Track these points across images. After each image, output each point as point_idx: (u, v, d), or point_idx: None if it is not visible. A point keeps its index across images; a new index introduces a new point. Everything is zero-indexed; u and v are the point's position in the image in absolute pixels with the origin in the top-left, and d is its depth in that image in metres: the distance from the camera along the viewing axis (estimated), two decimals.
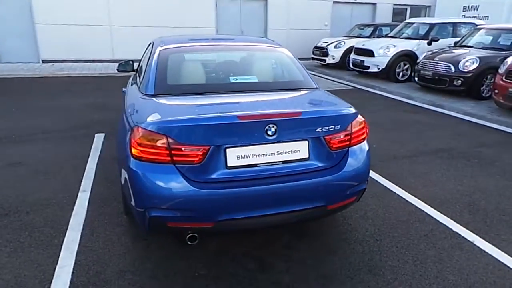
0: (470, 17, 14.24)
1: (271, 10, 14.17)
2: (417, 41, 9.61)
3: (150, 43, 3.94)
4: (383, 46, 9.47)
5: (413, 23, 10.74)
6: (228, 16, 13.88)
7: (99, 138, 5.00)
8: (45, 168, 3.98)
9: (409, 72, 9.54)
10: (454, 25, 10.08)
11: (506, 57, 7.28)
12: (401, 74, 9.57)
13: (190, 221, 2.16)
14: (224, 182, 2.16)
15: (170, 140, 2.08)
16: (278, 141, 2.21)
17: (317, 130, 2.28)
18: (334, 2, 14.99)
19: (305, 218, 2.47)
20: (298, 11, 14.44)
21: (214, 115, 2.16)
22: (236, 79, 2.79)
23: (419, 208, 3.22)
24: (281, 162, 2.26)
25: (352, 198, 2.51)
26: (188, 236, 2.21)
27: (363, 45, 10.08)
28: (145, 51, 4.31)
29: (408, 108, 7.13)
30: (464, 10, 14.96)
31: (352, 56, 10.44)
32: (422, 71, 8.18)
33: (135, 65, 4.49)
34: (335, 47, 11.62)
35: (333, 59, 11.68)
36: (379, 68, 9.48)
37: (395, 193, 3.51)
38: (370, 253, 2.59)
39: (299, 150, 2.29)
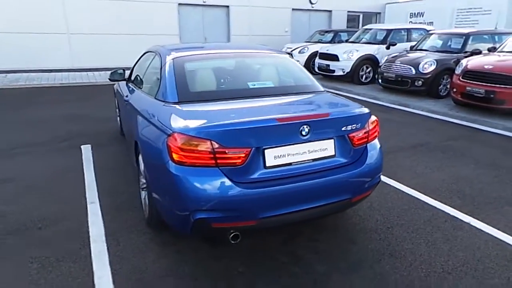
0: (416, 23, 15.47)
1: (233, 17, 14.41)
2: (377, 45, 10.29)
3: (149, 52, 3.97)
4: (347, 50, 10.04)
5: (370, 29, 11.47)
6: (191, 23, 13.92)
7: (86, 150, 4.87)
8: (39, 182, 3.83)
9: (371, 74, 10.18)
10: (408, 30, 10.93)
11: (458, 59, 8.07)
12: (364, 76, 10.18)
13: (234, 221, 2.26)
14: (263, 181, 2.29)
15: (215, 144, 2.18)
16: (309, 140, 2.39)
17: (342, 129, 2.50)
18: (293, 9, 15.57)
19: (334, 211, 2.67)
20: (260, 18, 14.82)
21: (254, 118, 2.28)
22: (254, 85, 2.94)
23: (415, 197, 3.54)
24: (311, 160, 2.44)
25: (370, 191, 2.74)
26: (231, 235, 2.31)
27: (327, 50, 10.59)
28: (140, 59, 4.32)
29: (377, 108, 7.64)
30: (411, 16, 16.20)
31: (317, 60, 10.93)
32: (385, 74, 8.80)
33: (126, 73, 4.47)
34: (299, 52, 12.06)
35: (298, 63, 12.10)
36: (344, 72, 10.02)
37: (390, 185, 3.82)
38: (386, 239, 2.84)
39: (326, 148, 2.48)
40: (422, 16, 15.74)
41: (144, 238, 2.83)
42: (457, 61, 7.97)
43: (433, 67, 7.97)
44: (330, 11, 16.57)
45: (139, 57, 4.41)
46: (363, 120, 2.61)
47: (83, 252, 2.64)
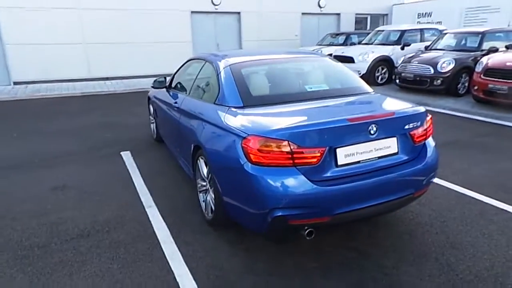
0: (424, 23, 15.59)
1: (245, 23, 14.58)
2: (392, 46, 10.42)
3: (194, 59, 4.12)
4: (362, 52, 10.17)
5: (383, 30, 11.61)
6: (204, 29, 14.10)
7: (127, 156, 5.00)
8: (92, 188, 3.96)
9: (387, 75, 10.30)
10: (421, 31, 11.06)
11: (475, 57, 8.20)
12: (380, 77, 10.30)
13: (309, 217, 2.37)
14: (336, 179, 2.41)
15: (292, 145, 2.30)
16: (376, 139, 2.51)
17: (405, 127, 2.61)
18: (302, 13, 15.72)
19: (398, 206, 2.77)
20: (270, 23, 14.98)
21: (328, 119, 2.41)
22: (311, 88, 3.07)
23: (461, 192, 3.65)
24: (377, 158, 2.55)
25: (427, 186, 2.85)
26: (306, 232, 2.42)
27: (342, 52, 10.73)
28: (182, 67, 4.46)
29: None
30: (419, 17, 16.32)
31: None
32: (403, 74, 8.91)
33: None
34: None
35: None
36: (360, 73, 10.13)
37: (433, 182, 3.91)
38: (444, 233, 2.94)
39: (390, 146, 2.60)
40: (430, 16, 15.87)
41: (210, 238, 2.95)
42: (475, 59, 8.11)
43: (451, 65, 8.08)
44: (338, 14, 16.72)
45: (180, 65, 4.54)
46: (422, 118, 2.73)
47: (156, 253, 2.76)
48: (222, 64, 3.28)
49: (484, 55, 8.13)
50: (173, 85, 4.52)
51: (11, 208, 3.53)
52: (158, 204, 3.56)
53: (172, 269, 2.56)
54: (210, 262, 2.64)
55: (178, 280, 2.44)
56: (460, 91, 8.29)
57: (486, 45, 8.50)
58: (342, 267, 2.55)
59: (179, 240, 2.92)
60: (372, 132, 2.46)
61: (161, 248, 2.82)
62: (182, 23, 13.50)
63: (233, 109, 2.82)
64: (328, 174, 2.40)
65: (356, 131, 2.44)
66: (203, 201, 3.24)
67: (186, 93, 3.87)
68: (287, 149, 2.30)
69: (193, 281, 2.43)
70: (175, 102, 3.90)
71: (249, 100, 2.86)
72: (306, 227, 2.43)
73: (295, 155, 2.31)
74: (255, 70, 3.26)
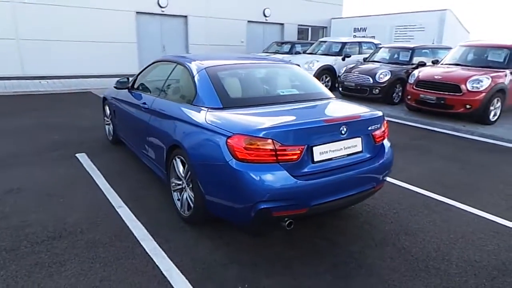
0: (360, 36, 16.92)
1: (192, 27, 14.59)
2: (334, 57, 11.20)
3: (163, 61, 4.16)
4: (308, 61, 10.79)
5: (325, 42, 12.41)
6: (149, 31, 13.84)
7: (83, 158, 4.83)
8: (52, 191, 3.80)
9: (329, 84, 11.03)
10: (359, 44, 12.04)
11: (407, 70, 9.19)
12: (324, 85, 10.97)
13: (290, 209, 2.59)
14: (312, 174, 2.67)
15: (276, 143, 2.51)
16: (345, 138, 2.82)
17: (368, 128, 2.97)
18: (248, 21, 16.15)
19: (362, 199, 3.11)
20: (217, 29, 15.17)
21: (307, 120, 2.66)
22: (284, 92, 3.32)
23: (406, 188, 4.14)
24: (346, 155, 2.87)
25: (384, 181, 3.24)
26: (287, 223, 2.64)
27: (289, 60, 11.22)
28: (148, 69, 4.45)
29: None
30: (355, 31, 17.66)
31: None
32: (345, 82, 9.65)
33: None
34: None
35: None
36: None
37: None
38: (397, 222, 3.35)
39: (356, 145, 2.93)
40: (365, 31, 17.27)
41: (189, 235, 3.03)
42: (407, 72, 9.09)
43: (388, 77, 8.95)
44: (282, 24, 17.45)
45: (145, 67, 4.53)
46: (381, 121, 3.12)
47: (137, 250, 2.78)
48: (196, 67, 3.39)
49: (414, 68, 9.15)
50: (136, 86, 4.49)
51: None
52: (128, 204, 3.54)
53: (157, 264, 2.62)
54: (194, 256, 2.74)
55: (165, 274, 2.51)
56: (395, 100, 9.21)
57: (415, 60, 9.57)
58: (317, 254, 2.81)
59: (158, 237, 2.97)
60: (343, 132, 2.77)
61: (142, 246, 2.85)
62: (127, 24, 13.12)
63: (212, 110, 2.96)
64: (306, 170, 2.65)
65: (330, 131, 2.73)
66: (178, 199, 3.31)
67: (156, 94, 3.90)
68: (271, 147, 2.51)
69: (181, 275, 2.51)
70: (144, 103, 3.91)
71: (228, 102, 3.02)
72: (286, 219, 2.65)
73: (278, 152, 2.53)
74: (230, 74, 3.42)
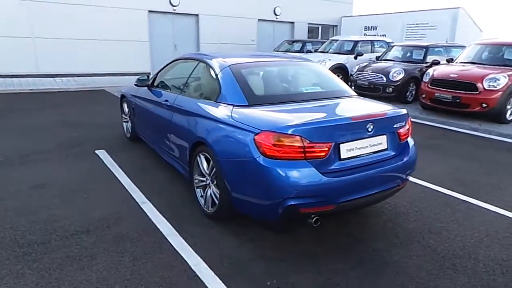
0: (370, 35, 16.81)
1: (203, 26, 14.63)
2: (346, 55, 11.16)
3: (184, 59, 4.19)
4: (320, 59, 10.75)
5: (337, 40, 12.37)
6: (161, 30, 13.91)
7: (103, 155, 4.89)
8: (76, 186, 3.86)
9: None
10: (372, 42, 11.98)
11: (421, 69, 9.12)
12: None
13: (318, 206, 2.61)
14: (339, 171, 2.68)
15: (304, 140, 2.53)
16: (371, 136, 2.83)
17: (393, 126, 2.97)
18: (259, 20, 16.14)
19: (387, 196, 3.11)
20: (228, 27, 15.19)
21: (335, 117, 2.67)
22: (307, 90, 3.33)
23: (426, 186, 4.13)
24: (372, 153, 2.87)
25: (407, 180, 3.24)
26: (314, 219, 2.65)
27: None
28: (168, 67, 4.48)
29: None
30: (366, 29, 17.55)
31: None
32: (358, 81, 9.61)
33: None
34: None
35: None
36: None
37: None
38: (420, 220, 3.35)
39: (381, 142, 2.93)
40: (376, 29, 17.16)
41: (213, 230, 3.06)
42: (421, 70, 9.03)
43: (401, 75, 8.90)
44: (292, 22, 17.41)
45: (165, 65, 4.56)
46: (405, 119, 3.11)
47: (164, 246, 2.82)
48: (220, 65, 3.42)
49: (428, 67, 9.09)
50: (156, 84, 4.54)
51: None
52: (152, 200, 3.58)
53: (185, 259, 2.65)
54: (220, 252, 2.76)
55: (194, 269, 2.54)
56: (408, 98, 9.16)
57: (429, 58, 9.50)
58: (342, 251, 2.82)
59: (184, 233, 3.00)
60: (369, 129, 2.78)
61: (168, 241, 2.88)
62: (139, 22, 13.20)
63: (237, 107, 2.99)
64: (333, 167, 2.66)
65: (356, 129, 2.74)
66: (202, 196, 3.35)
67: (178, 91, 3.93)
68: (300, 143, 2.53)
69: (209, 270, 2.54)
70: (166, 101, 3.94)
71: (253, 99, 3.04)
72: (313, 215, 2.66)
73: (306, 149, 2.54)
74: (253, 71, 3.44)
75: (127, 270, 2.50)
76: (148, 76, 4.63)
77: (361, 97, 3.63)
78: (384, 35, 16.12)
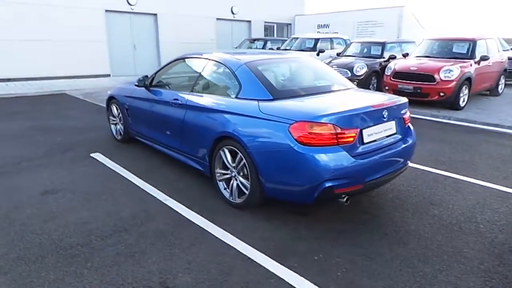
0: (324, 32, 17.63)
1: (162, 25, 14.43)
2: (308, 52, 11.68)
3: (189, 58, 4.29)
4: None
5: (297, 38, 12.88)
6: (119, 29, 13.49)
7: (100, 158, 4.82)
8: (88, 190, 3.82)
9: None
10: (331, 40, 12.63)
11: (380, 63, 9.87)
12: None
13: (349, 186, 2.91)
14: (364, 154, 3.00)
15: (336, 127, 2.81)
16: (385, 121, 3.19)
17: (401, 112, 3.37)
18: (217, 19, 16.22)
19: (397, 175, 3.48)
20: (187, 26, 15.11)
21: (358, 106, 2.99)
22: (320, 83, 3.62)
23: (414, 167, 4.61)
24: (385, 136, 3.24)
25: (409, 161, 3.66)
26: (345, 199, 2.95)
27: None
28: (170, 66, 4.54)
29: None
30: (318, 27, 18.36)
31: None
32: None
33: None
34: None
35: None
36: None
37: None
38: (420, 195, 3.79)
39: (391, 127, 3.31)
40: (328, 27, 18.03)
41: (245, 218, 3.24)
42: (380, 65, 9.78)
43: (364, 69, 9.57)
44: (249, 21, 17.72)
45: (165, 64, 4.60)
46: (407, 106, 3.53)
47: (206, 236, 2.96)
48: (235, 62, 3.60)
49: (386, 61, 9.87)
50: (155, 84, 4.57)
51: (11, 215, 3.24)
52: (172, 196, 3.67)
53: (232, 245, 2.82)
54: (260, 236, 2.97)
55: (244, 252, 2.72)
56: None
57: (386, 54, 10.30)
58: (366, 226, 3.16)
59: (219, 223, 3.15)
60: (384, 116, 3.14)
61: (208, 231, 3.02)
62: (96, 22, 12.71)
63: (263, 101, 3.20)
64: (359, 150, 2.98)
65: (375, 115, 3.08)
66: (225, 188, 3.51)
67: (187, 90, 3.99)
68: (332, 130, 2.81)
69: (258, 252, 2.74)
70: (175, 99, 4.01)
71: (276, 94, 3.27)
72: (343, 195, 2.96)
73: (338, 135, 2.83)
74: (267, 68, 3.65)
75: (182, 260, 2.62)
76: (146, 76, 4.64)
77: (360, 89, 4.00)
78: (336, 33, 17.00)
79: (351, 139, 2.90)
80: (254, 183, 3.15)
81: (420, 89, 7.93)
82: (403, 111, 3.41)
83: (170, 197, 3.66)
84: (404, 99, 3.50)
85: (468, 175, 4.33)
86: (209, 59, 3.93)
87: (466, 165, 4.70)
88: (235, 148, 3.27)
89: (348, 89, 3.79)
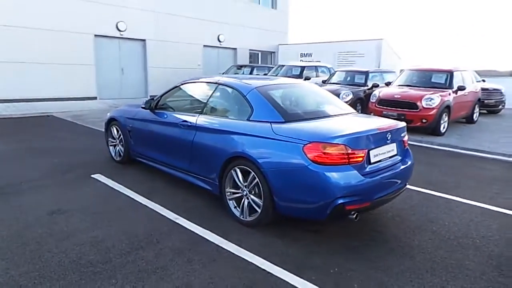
0: (306, 61, 18.32)
1: (150, 50, 14.66)
2: (296, 80, 12.12)
3: (196, 82, 4.47)
4: None
5: (283, 66, 13.37)
6: (108, 54, 13.61)
7: (103, 178, 4.84)
8: (94, 210, 3.83)
9: None
10: (316, 68, 13.19)
11: (364, 91, 10.38)
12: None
13: (359, 203, 3.09)
14: (371, 173, 3.21)
15: (348, 148, 3.03)
16: (388, 143, 3.44)
17: (401, 135, 3.63)
18: (204, 45, 16.63)
19: (397, 195, 3.69)
20: (174, 52, 15.41)
21: (367, 128, 3.22)
22: (324, 107, 3.86)
23: (407, 188, 4.88)
24: (388, 157, 3.48)
25: (407, 182, 3.90)
26: (355, 215, 3.13)
27: None
28: (175, 90, 4.69)
29: None
30: (301, 56, 19.09)
31: None
32: None
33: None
34: None
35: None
36: None
37: None
38: (418, 213, 4.02)
39: (393, 149, 3.56)
40: (311, 56, 18.78)
41: (258, 235, 3.35)
42: (364, 92, 10.28)
43: (350, 96, 10.03)
44: (235, 48, 18.25)
45: (170, 88, 4.75)
46: (405, 130, 3.81)
47: (223, 252, 3.04)
48: (246, 87, 3.80)
49: (369, 89, 10.39)
50: (160, 106, 4.71)
51: (24, 234, 3.22)
52: (182, 215, 3.74)
53: (250, 261, 2.91)
54: (275, 251, 3.08)
55: (263, 267, 2.82)
56: None
57: (369, 82, 10.85)
58: (374, 242, 3.33)
59: (233, 240, 3.24)
60: (388, 138, 3.39)
61: (224, 248, 3.11)
62: (85, 46, 12.78)
63: (275, 123, 3.39)
64: (367, 170, 3.19)
65: (380, 138, 3.33)
66: (235, 207, 3.62)
67: (196, 112, 4.13)
68: (344, 151, 3.02)
69: (276, 266, 2.84)
70: (184, 121, 4.14)
71: (287, 117, 3.47)
72: (353, 212, 3.14)
73: (350, 155, 3.04)
74: (276, 93, 3.87)
75: (205, 275, 2.69)
76: (153, 99, 4.77)
77: (360, 113, 4.28)
78: (319, 61, 17.72)
79: (360, 159, 3.12)
80: (267, 201, 3.29)
81: (404, 115, 8.36)
82: (402, 134, 3.68)
83: (180, 216, 3.73)
84: (403, 124, 3.78)
85: (457, 195, 4.62)
86: (218, 83, 4.12)
87: (454, 186, 5.00)
88: (247, 168, 3.42)
89: (349, 113, 4.05)
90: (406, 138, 3.78)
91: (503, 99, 12.46)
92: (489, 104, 12.20)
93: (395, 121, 3.77)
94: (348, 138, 3.06)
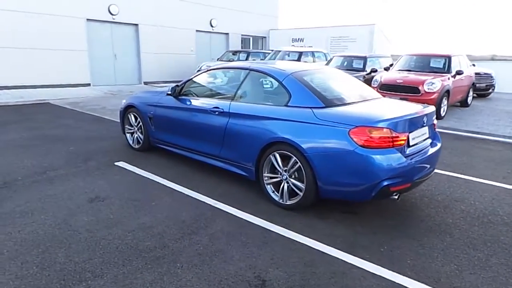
0: (298, 46, 18.32)
1: (143, 35, 14.34)
2: None
3: (222, 68, 4.49)
4: None
5: (279, 51, 13.34)
6: (100, 39, 13.24)
7: (128, 166, 4.82)
8: (134, 197, 3.85)
9: None
10: (313, 53, 13.22)
11: (364, 76, 10.51)
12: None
13: (402, 184, 3.22)
14: (411, 155, 3.34)
15: (392, 131, 3.13)
16: (423, 127, 3.57)
17: (432, 119, 3.77)
18: (196, 30, 16.37)
19: (431, 175, 3.85)
20: (167, 37, 15.13)
21: (408, 112, 3.33)
22: (356, 92, 3.96)
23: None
24: (423, 140, 3.62)
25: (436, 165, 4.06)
26: (397, 196, 3.26)
27: None
28: (200, 75, 4.68)
29: None
30: (293, 41, 19.05)
31: None
32: None
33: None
34: None
35: None
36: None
37: None
38: (443, 193, 4.21)
39: (426, 132, 3.70)
40: (302, 41, 18.77)
41: (301, 218, 3.45)
42: (364, 77, 10.41)
43: None
44: (227, 33, 18.03)
45: (195, 75, 4.73)
46: (434, 114, 3.95)
47: (272, 234, 3.13)
48: (281, 73, 3.84)
49: (368, 74, 10.54)
50: (185, 93, 4.69)
51: (71, 222, 3.22)
52: (221, 200, 3.79)
53: (300, 241, 3.02)
54: (323, 233, 3.18)
55: (316, 248, 2.93)
56: None
57: (367, 67, 10.99)
58: (409, 222, 3.47)
59: (278, 224, 3.33)
60: (424, 121, 3.52)
61: (271, 231, 3.20)
62: (77, 31, 12.40)
63: (316, 109, 3.46)
64: (408, 152, 3.32)
65: (418, 121, 3.45)
66: (273, 191, 3.70)
67: (228, 99, 4.15)
68: (389, 134, 3.13)
69: (329, 246, 2.96)
70: (215, 107, 4.15)
71: (327, 102, 3.54)
72: (395, 193, 3.27)
73: (394, 139, 3.15)
74: (310, 78, 3.92)
75: (264, 257, 2.78)
76: (177, 86, 4.74)
77: (388, 98, 4.40)
78: (310, 46, 17.76)
79: (403, 142, 3.23)
80: (310, 184, 3.38)
81: (406, 99, 8.53)
82: (433, 118, 3.82)
83: (218, 201, 3.79)
84: (433, 108, 3.91)
85: (473, 175, 4.84)
86: (250, 69, 4.14)
87: (468, 167, 5.23)
88: (288, 153, 3.49)
89: (379, 98, 4.16)
90: (436, 121, 3.92)
91: (493, 83, 12.87)
92: (480, 88, 12.58)
93: (426, 105, 3.90)
94: (392, 122, 3.17)
